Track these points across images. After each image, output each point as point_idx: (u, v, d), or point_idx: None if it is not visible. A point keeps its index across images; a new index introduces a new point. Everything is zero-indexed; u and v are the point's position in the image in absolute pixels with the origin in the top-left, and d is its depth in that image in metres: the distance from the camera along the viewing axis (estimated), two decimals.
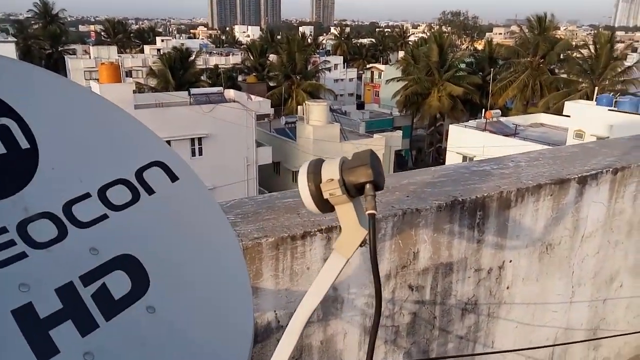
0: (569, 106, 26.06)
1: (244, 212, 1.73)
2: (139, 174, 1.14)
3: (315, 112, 25.40)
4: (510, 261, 2.16)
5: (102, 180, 1.08)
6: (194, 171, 1.23)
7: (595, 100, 26.13)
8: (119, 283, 0.96)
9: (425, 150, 40.95)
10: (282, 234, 1.58)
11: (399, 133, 30.58)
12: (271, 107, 27.20)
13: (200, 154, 21.81)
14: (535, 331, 2.38)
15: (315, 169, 1.01)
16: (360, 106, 44.43)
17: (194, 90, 23.17)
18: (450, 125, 29.93)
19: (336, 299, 1.74)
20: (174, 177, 1.19)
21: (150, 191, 1.13)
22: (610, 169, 2.32)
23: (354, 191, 0.98)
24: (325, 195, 0.98)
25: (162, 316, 0.97)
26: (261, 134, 26.93)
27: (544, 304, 2.35)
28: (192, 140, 21.41)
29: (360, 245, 0.98)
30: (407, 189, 1.99)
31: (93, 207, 1.03)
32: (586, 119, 23.72)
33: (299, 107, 32.13)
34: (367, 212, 0.94)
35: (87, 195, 1.04)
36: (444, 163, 30.01)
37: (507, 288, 2.20)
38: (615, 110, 23.50)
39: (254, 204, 1.80)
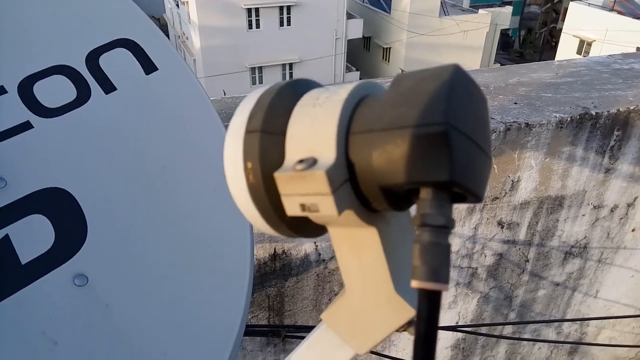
0: None
1: None
2: (92, 58, 0.74)
3: None
4: None
5: (30, 68, 0.70)
6: (182, 59, 0.81)
7: None
8: (33, 236, 0.61)
9: (536, 31, 36.51)
10: None
11: (509, 9, 27.09)
12: None
13: (289, 23, 20.91)
14: None
15: (268, 119, 0.30)
16: None
17: None
18: (570, 2, 25.96)
19: None
20: (150, 66, 0.78)
21: (109, 87, 0.74)
22: None
23: (386, 200, 0.28)
24: (292, 210, 0.29)
25: (98, 291, 0.63)
26: (352, 4, 25.13)
27: None
28: (281, 8, 20.44)
29: (399, 330, 0.32)
30: (515, 91, 1.43)
31: (7, 110, 0.67)
32: None
33: None
34: (417, 284, 0.24)
35: (1, 91, 0.67)
36: (556, 46, 26.63)
37: (632, 230, 1.67)
38: None
39: None
